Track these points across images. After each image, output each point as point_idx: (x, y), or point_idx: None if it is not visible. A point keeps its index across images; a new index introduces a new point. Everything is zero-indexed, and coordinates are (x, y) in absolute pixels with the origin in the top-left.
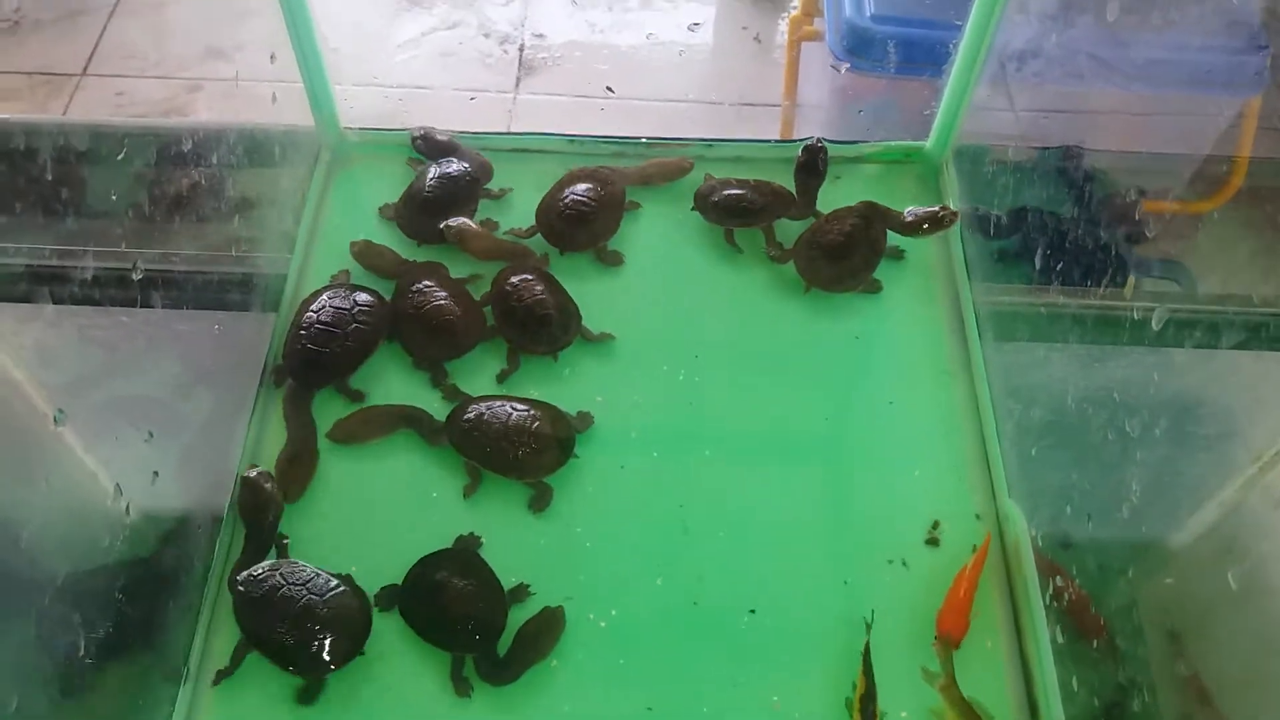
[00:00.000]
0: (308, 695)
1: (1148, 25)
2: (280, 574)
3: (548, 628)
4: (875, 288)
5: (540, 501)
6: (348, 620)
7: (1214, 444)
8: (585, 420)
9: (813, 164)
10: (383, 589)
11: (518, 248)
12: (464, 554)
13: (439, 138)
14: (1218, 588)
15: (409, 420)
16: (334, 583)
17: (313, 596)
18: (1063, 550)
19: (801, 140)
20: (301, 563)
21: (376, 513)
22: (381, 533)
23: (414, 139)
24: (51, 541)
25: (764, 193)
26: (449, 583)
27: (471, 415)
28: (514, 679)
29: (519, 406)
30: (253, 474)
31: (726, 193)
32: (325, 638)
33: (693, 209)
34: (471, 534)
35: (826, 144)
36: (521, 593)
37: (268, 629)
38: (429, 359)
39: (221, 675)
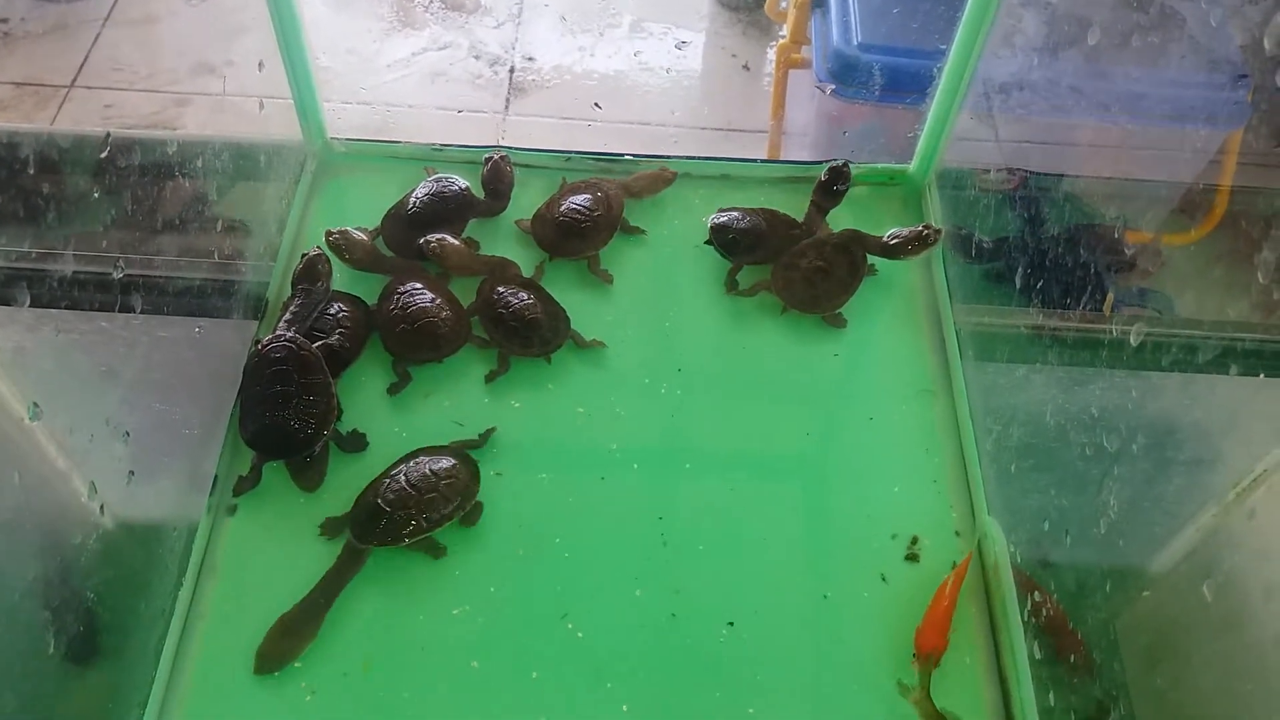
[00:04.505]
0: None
1: (1131, 60)
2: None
3: None
4: (839, 322)
5: (472, 518)
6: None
7: (1192, 468)
8: (472, 444)
9: (830, 185)
10: None
11: (494, 261)
12: None
13: (503, 168)
14: (1193, 607)
15: (342, 575)
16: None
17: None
18: (1041, 568)
19: (799, 162)
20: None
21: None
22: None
23: (486, 159)
24: (23, 538)
25: (768, 220)
26: None
27: (377, 507)
28: None
29: (404, 470)
30: (314, 252)
31: (740, 225)
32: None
33: (706, 242)
34: None
35: (813, 164)
36: None
37: (248, 389)
38: (411, 360)
39: (243, 484)
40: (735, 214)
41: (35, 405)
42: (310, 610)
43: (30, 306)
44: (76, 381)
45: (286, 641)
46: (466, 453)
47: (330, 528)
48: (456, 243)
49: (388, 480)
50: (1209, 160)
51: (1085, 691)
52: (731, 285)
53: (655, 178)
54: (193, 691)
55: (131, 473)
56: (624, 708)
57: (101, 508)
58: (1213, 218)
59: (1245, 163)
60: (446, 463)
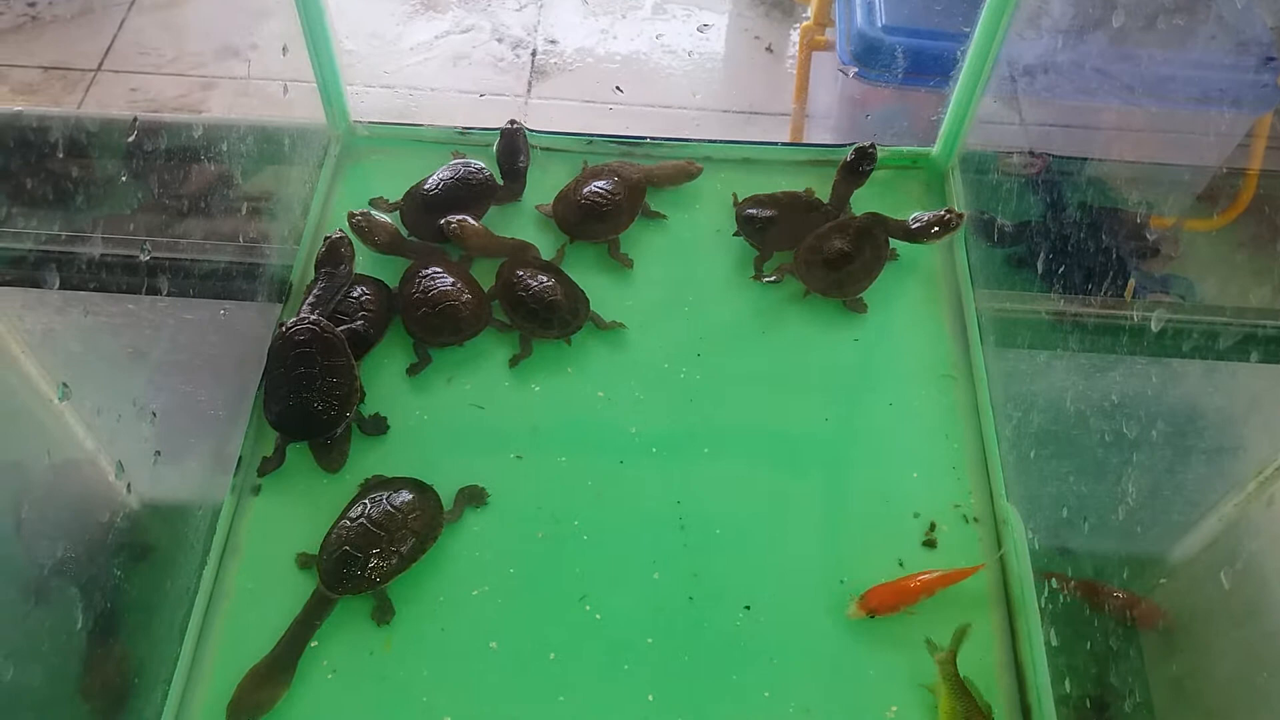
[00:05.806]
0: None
1: (1157, 42)
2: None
3: None
4: (860, 307)
5: (474, 499)
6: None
7: (1213, 455)
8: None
9: (855, 165)
10: None
11: (514, 243)
12: None
13: (518, 142)
14: (1211, 595)
15: (315, 614)
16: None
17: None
18: (1060, 555)
19: (822, 145)
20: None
21: None
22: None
23: (504, 131)
24: (52, 516)
25: (794, 205)
26: None
27: (346, 553)
28: None
29: (365, 511)
30: (337, 235)
31: (768, 215)
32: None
33: (735, 234)
34: None
35: (836, 147)
36: None
37: (272, 371)
38: (432, 343)
39: (267, 465)
40: (763, 204)
41: (64, 386)
42: (281, 660)
43: (59, 289)
44: (104, 363)
45: (260, 693)
46: (419, 480)
47: (304, 562)
48: (476, 224)
49: (348, 523)
50: (1235, 145)
51: (1101, 673)
52: (759, 274)
53: (679, 169)
54: (217, 668)
55: (158, 453)
56: (641, 689)
57: (128, 487)
58: (1239, 203)
59: (1272, 147)
60: (405, 496)
